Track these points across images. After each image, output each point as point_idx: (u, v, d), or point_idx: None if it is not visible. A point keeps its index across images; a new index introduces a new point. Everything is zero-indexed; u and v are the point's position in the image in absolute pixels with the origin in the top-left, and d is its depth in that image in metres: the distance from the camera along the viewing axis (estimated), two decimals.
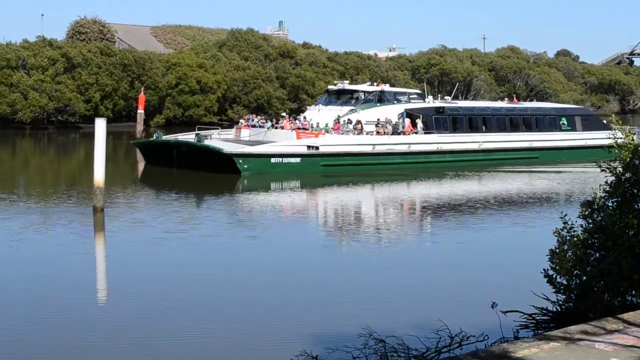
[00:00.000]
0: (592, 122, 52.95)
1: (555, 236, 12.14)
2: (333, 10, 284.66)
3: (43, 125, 69.99)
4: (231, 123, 54.97)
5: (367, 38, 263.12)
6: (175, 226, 24.60)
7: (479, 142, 46.06)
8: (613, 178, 12.05)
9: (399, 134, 43.25)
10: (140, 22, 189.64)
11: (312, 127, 42.72)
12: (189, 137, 41.66)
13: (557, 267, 11.87)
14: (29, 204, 29.27)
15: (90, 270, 19.44)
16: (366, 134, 42.41)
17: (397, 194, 36.15)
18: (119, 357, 12.98)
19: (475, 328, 11.68)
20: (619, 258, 11.45)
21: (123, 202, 30.06)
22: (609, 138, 12.80)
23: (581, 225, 12.11)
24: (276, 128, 43.61)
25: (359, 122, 42.59)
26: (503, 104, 54.07)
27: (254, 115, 51.41)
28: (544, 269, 12.04)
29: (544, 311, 12.29)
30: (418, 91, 51.32)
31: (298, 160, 39.50)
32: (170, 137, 43.67)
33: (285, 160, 39.19)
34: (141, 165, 42.33)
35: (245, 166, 38.00)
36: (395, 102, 45.43)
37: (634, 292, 11.75)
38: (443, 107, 46.27)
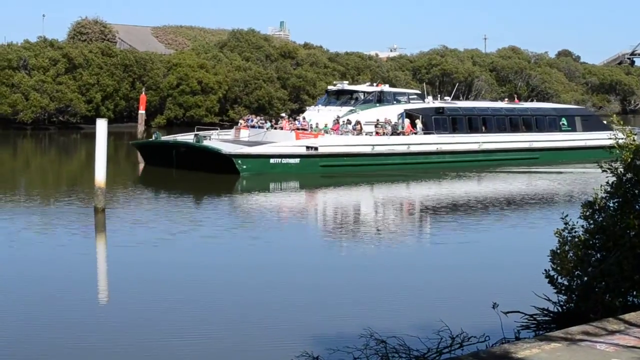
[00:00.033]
0: (592, 123, 52.91)
1: (557, 237, 12.13)
2: (334, 10, 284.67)
3: (44, 126, 69.99)
4: (232, 123, 55.08)
5: (368, 38, 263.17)
6: (176, 227, 24.60)
7: (479, 142, 46.01)
8: (614, 179, 12.05)
9: (398, 134, 43.20)
10: (141, 22, 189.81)
11: (311, 127, 42.69)
12: (188, 137, 41.63)
13: (558, 268, 11.86)
14: (30, 204, 29.28)
15: (91, 271, 19.44)
16: (365, 134, 42.38)
17: (397, 194, 36.12)
18: (119, 358, 12.97)
19: (476, 329, 11.68)
20: (620, 259, 11.44)
21: (124, 203, 30.07)
22: (610, 138, 12.79)
23: (582, 226, 12.11)
24: (275, 129, 43.59)
25: (358, 122, 42.56)
26: (503, 104, 54.04)
27: (253, 116, 51.40)
28: (545, 270, 12.04)
29: (545, 312, 12.28)
30: (418, 92, 51.25)
31: (297, 160, 39.48)
32: (169, 137, 43.67)
33: (284, 160, 39.15)
34: (142, 166, 42.34)
35: (244, 167, 37.99)
36: (395, 102, 45.37)
37: (635, 293, 11.74)
38: (442, 108, 46.23)
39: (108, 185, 27.38)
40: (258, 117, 48.65)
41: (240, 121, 47.13)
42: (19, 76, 69.68)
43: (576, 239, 11.95)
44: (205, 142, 39.89)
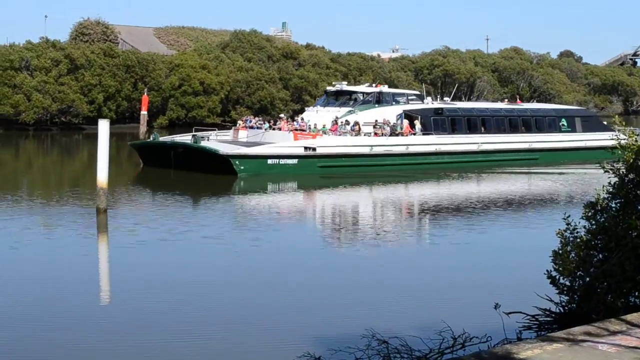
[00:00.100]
0: (592, 123, 52.85)
1: (558, 237, 12.14)
2: (336, 11, 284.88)
3: (46, 127, 70.06)
4: (234, 124, 55.10)
5: (370, 39, 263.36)
6: (176, 228, 24.59)
7: (478, 143, 45.93)
8: (616, 179, 12.04)
9: (397, 135, 43.16)
10: (143, 23, 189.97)
11: (309, 128, 42.65)
12: (186, 138, 41.62)
13: (560, 268, 11.87)
14: (32, 205, 29.29)
15: (92, 272, 19.45)
16: (364, 135, 42.34)
17: (396, 195, 36.06)
18: (120, 359, 12.98)
19: (478, 329, 11.68)
20: (622, 259, 11.44)
21: (126, 203, 30.08)
22: (612, 139, 12.79)
23: (584, 227, 12.11)
24: (274, 129, 43.56)
25: (356, 123, 42.50)
26: (502, 105, 54.00)
27: (251, 117, 51.42)
28: (547, 270, 12.04)
29: (547, 312, 12.29)
30: (417, 92, 51.21)
31: (295, 161, 39.43)
32: (167, 138, 43.67)
33: (282, 161, 39.09)
34: (140, 167, 42.30)
35: (242, 167, 37.96)
36: (394, 103, 45.31)
37: (637, 294, 11.74)
38: (441, 109, 46.18)
39: (110, 186, 27.38)
40: (256, 118, 48.63)
41: (239, 122, 47.10)
42: (21, 77, 69.76)
43: (578, 240, 11.96)
44: (203, 143, 39.88)
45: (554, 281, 11.98)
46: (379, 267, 19.90)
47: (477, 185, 39.53)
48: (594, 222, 12.03)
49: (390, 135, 42.79)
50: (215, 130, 46.60)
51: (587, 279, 11.68)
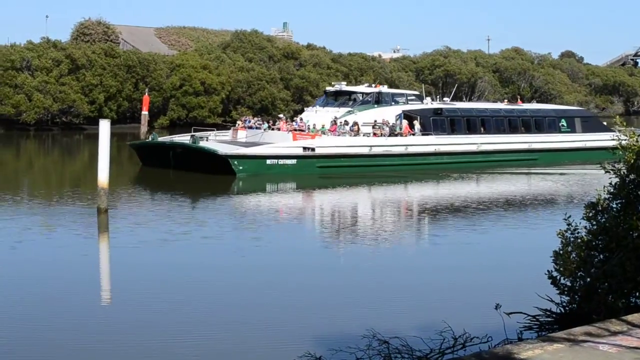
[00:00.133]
0: (591, 124, 52.80)
1: (559, 238, 12.14)
2: (337, 11, 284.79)
3: (47, 127, 70.08)
4: (235, 124, 55.07)
5: (371, 39, 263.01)
6: (177, 228, 24.60)
7: (477, 143, 45.88)
8: (617, 180, 12.05)
9: (396, 135, 43.12)
10: (144, 23, 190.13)
11: (308, 128, 42.62)
12: (185, 138, 41.60)
13: (561, 269, 11.87)
14: (33, 205, 29.30)
15: (93, 272, 19.45)
16: (363, 135, 42.31)
17: (395, 195, 36.02)
18: (121, 359, 12.98)
19: (478, 329, 11.68)
20: (623, 260, 11.44)
21: (127, 204, 30.08)
22: (613, 140, 12.79)
23: (585, 227, 12.11)
24: (273, 129, 43.53)
25: (355, 123, 42.45)
26: (502, 105, 53.96)
27: (250, 117, 51.38)
28: (548, 271, 12.04)
29: (547, 313, 12.29)
30: (416, 92, 51.18)
31: (294, 161, 39.39)
32: (166, 138, 43.68)
33: (281, 161, 39.05)
34: (139, 167, 42.31)
35: (241, 167, 37.93)
36: (393, 103, 45.27)
37: (638, 294, 11.75)
38: (441, 109, 46.13)
39: (111, 186, 27.38)
40: (255, 118, 48.60)
41: (238, 122, 47.08)
42: (22, 77, 69.79)
43: (579, 240, 11.96)
44: (202, 143, 39.87)
45: (554, 281, 11.98)
46: (379, 267, 19.89)
47: (477, 185, 39.51)
48: (594, 223, 12.03)
49: (390, 135, 42.73)
50: (214, 130, 46.55)
51: (588, 279, 11.68)
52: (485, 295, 16.04)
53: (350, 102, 44.99)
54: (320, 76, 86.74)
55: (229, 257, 20.84)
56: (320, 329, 14.19)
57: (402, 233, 25.62)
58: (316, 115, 44.36)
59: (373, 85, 49.81)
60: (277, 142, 40.39)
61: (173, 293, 16.82)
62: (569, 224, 12.16)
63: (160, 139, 42.88)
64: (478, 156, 45.70)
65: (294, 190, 36.39)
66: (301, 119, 44.50)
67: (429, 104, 47.09)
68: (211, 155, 38.17)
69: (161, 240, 22.56)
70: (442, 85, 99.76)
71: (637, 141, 12.02)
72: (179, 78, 77.44)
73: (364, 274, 18.90)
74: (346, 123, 42.52)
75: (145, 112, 70.72)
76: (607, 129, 50.57)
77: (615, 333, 9.78)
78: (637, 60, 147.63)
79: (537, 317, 12.35)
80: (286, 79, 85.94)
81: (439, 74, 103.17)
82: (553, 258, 12.02)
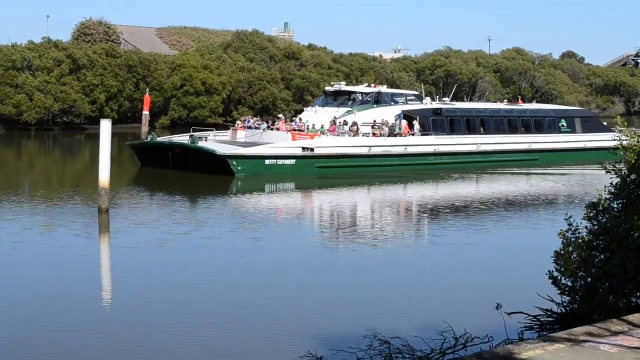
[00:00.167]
0: (591, 124, 52.73)
1: (560, 238, 12.14)
2: (338, 11, 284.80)
3: (48, 127, 70.12)
4: (235, 124, 55.08)
5: (372, 39, 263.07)
6: (175, 228, 24.59)
7: (477, 143, 45.82)
8: (618, 180, 12.05)
9: (395, 135, 43.07)
10: (145, 23, 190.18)
11: (307, 128, 42.57)
12: (183, 138, 41.57)
13: (562, 269, 11.87)
14: (33, 204, 29.31)
15: (94, 272, 19.44)
16: (362, 135, 42.27)
17: (394, 196, 35.94)
18: (121, 359, 12.97)
19: (479, 329, 11.68)
20: (624, 260, 11.44)
21: (128, 203, 30.09)
22: (614, 140, 12.79)
23: (586, 227, 12.11)
24: (272, 129, 43.48)
25: (354, 123, 42.39)
26: (502, 105, 53.89)
27: (249, 117, 51.36)
28: (549, 271, 12.04)
29: (548, 312, 12.29)
30: (415, 92, 51.13)
31: (293, 161, 39.33)
32: (165, 138, 43.67)
33: (280, 161, 39.00)
34: (138, 167, 42.30)
35: (239, 168, 37.89)
36: (393, 103, 45.22)
37: (638, 294, 11.74)
38: (440, 109, 46.07)
39: (111, 186, 27.39)
40: (255, 118, 48.58)
41: (237, 122, 47.05)
42: (23, 77, 69.82)
43: (580, 240, 11.96)
44: (201, 143, 39.84)
45: (555, 281, 11.98)
46: (379, 267, 19.88)
47: (477, 185, 39.47)
48: (595, 223, 12.03)
49: (389, 135, 42.67)
50: (213, 130, 46.50)
51: (589, 279, 11.68)
52: (486, 295, 16.03)
53: (350, 102, 44.93)
54: (321, 76, 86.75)
55: (228, 257, 20.83)
56: (321, 329, 14.18)
57: (402, 233, 25.59)
58: (315, 115, 44.31)
59: (372, 85, 49.76)
60: (276, 142, 40.34)
61: (173, 293, 16.82)
62: (569, 224, 12.16)
63: (159, 139, 42.86)
64: (477, 156, 45.64)
65: (293, 191, 36.35)
66: (300, 119, 44.47)
67: (428, 104, 47.04)
68: (210, 155, 38.14)
69: (161, 240, 22.56)
70: (443, 86, 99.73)
71: (638, 141, 12.02)
72: (180, 78, 77.47)
73: (364, 274, 18.89)
74: (345, 123, 42.46)
75: (146, 112, 70.72)
76: (607, 129, 50.54)
77: (616, 333, 9.78)
78: (638, 60, 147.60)
79: (538, 317, 12.35)
80: (287, 79, 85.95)
81: (439, 74, 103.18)
82: (554, 258, 12.02)
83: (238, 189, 36.05)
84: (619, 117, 13.76)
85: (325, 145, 40.40)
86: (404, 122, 44.04)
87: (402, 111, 44.63)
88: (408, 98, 46.73)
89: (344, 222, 28.25)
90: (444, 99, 53.81)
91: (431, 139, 44.16)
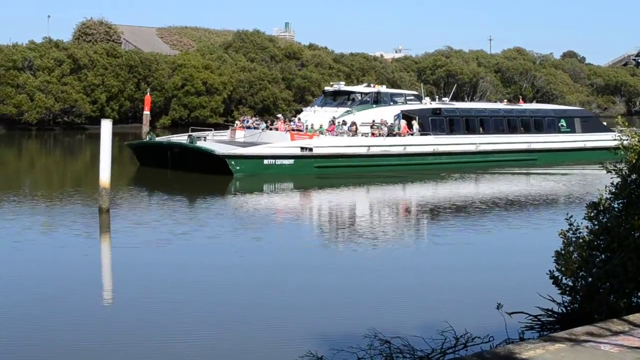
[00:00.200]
0: (591, 124, 52.64)
1: (561, 237, 12.13)
2: (339, 11, 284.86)
3: (49, 127, 70.15)
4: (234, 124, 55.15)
5: (373, 39, 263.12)
6: (176, 228, 24.57)
7: (476, 143, 45.75)
8: (619, 180, 12.04)
9: (394, 135, 43.02)
10: (146, 23, 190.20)
11: (306, 128, 42.53)
12: (182, 138, 41.55)
13: (563, 269, 11.86)
14: (34, 204, 29.31)
15: (95, 272, 19.43)
16: (361, 135, 42.23)
17: (393, 196, 35.86)
18: (122, 359, 12.97)
19: (480, 329, 11.67)
20: (625, 260, 11.44)
21: (128, 203, 30.09)
22: (615, 140, 12.79)
23: (587, 227, 12.10)
24: (271, 129, 43.44)
25: (353, 123, 42.32)
26: (501, 105, 53.82)
27: (248, 117, 51.37)
28: (550, 270, 12.03)
29: (549, 312, 12.29)
30: (415, 92, 51.07)
31: (291, 161, 39.26)
32: (163, 138, 43.65)
33: (279, 161, 38.93)
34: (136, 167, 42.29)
35: (238, 167, 37.84)
36: (392, 103, 45.14)
37: (639, 294, 11.73)
38: (439, 109, 46.00)
39: (112, 186, 27.38)
40: (254, 118, 48.56)
41: (236, 122, 47.03)
42: (24, 77, 69.85)
43: (580, 240, 11.95)
44: (199, 143, 39.81)
45: (556, 281, 11.98)
46: (380, 267, 19.87)
47: (477, 186, 39.43)
48: (596, 223, 12.03)
49: (388, 135, 42.60)
50: (211, 130, 46.45)
51: (590, 279, 11.67)
52: (486, 295, 16.02)
53: (349, 102, 44.87)
54: (322, 76, 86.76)
55: (228, 257, 20.81)
56: (321, 329, 14.17)
57: (402, 233, 25.58)
58: (314, 115, 44.25)
59: (371, 85, 49.72)
60: (275, 142, 40.30)
61: (173, 293, 16.82)
62: (570, 224, 12.15)
63: (158, 138, 42.84)
64: (477, 156, 45.57)
65: (292, 191, 36.29)
66: (299, 119, 44.44)
67: (427, 104, 46.98)
68: (208, 155, 38.11)
69: (162, 240, 22.55)
70: (444, 86, 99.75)
71: (639, 141, 12.01)
72: (181, 78, 77.48)
73: (364, 274, 18.88)
74: (344, 123, 42.40)
75: (147, 112, 70.78)
76: (606, 129, 50.49)
77: (616, 333, 9.78)
78: (639, 60, 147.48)
79: (539, 317, 12.34)
80: (288, 79, 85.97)
81: (440, 74, 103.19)
82: (555, 258, 12.01)
83: (237, 189, 36.01)
84: (619, 117, 13.76)
85: (324, 145, 40.34)
86: (403, 122, 43.99)
87: (401, 111, 44.58)
88: (407, 98, 46.68)
89: (344, 222, 28.23)
90: (443, 99, 53.71)
91: (430, 139, 44.10)
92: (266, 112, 75.50)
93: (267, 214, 29.49)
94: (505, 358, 8.77)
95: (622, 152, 12.13)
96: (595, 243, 11.91)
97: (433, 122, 44.87)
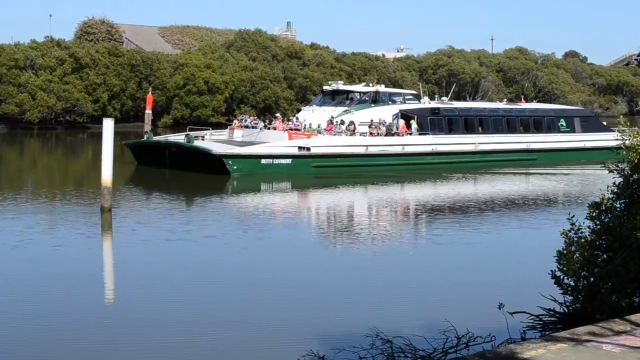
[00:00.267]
0: (591, 124, 52.51)
1: (563, 237, 12.11)
2: (341, 11, 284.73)
3: (51, 126, 70.20)
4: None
5: (375, 39, 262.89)
6: (177, 227, 24.58)
7: (475, 143, 45.62)
8: (621, 179, 12.03)
9: (392, 135, 42.94)
10: (148, 22, 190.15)
11: (304, 127, 42.47)
12: (179, 137, 41.51)
13: (565, 269, 11.85)
14: (36, 203, 29.32)
15: (96, 271, 19.42)
16: (359, 134, 42.16)
17: (392, 195, 35.77)
18: (123, 358, 12.97)
19: (482, 329, 11.66)
20: (627, 259, 11.42)
21: (130, 202, 30.10)
22: (617, 139, 12.77)
23: (588, 227, 12.09)
24: (269, 129, 43.38)
25: (352, 122, 42.23)
26: (501, 105, 53.70)
27: (247, 116, 51.35)
28: (551, 270, 12.02)
29: (551, 312, 12.27)
30: (414, 92, 50.94)
31: (289, 161, 39.19)
32: (161, 137, 43.63)
33: (276, 161, 38.85)
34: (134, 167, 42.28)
35: (235, 167, 37.78)
36: (390, 102, 45.02)
37: None
38: (438, 108, 45.85)
39: (114, 185, 27.39)
40: (252, 117, 48.53)
41: (235, 121, 46.98)
42: (26, 76, 69.89)
43: (582, 240, 11.93)
44: (197, 143, 39.76)
45: (558, 281, 11.96)
46: (380, 267, 19.85)
47: (476, 185, 39.35)
48: (598, 223, 12.01)
49: (386, 135, 42.52)
50: (209, 129, 46.38)
51: (592, 279, 11.66)
52: (488, 294, 16.00)
53: (347, 102, 44.75)
54: (323, 76, 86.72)
55: (229, 257, 20.82)
56: (323, 329, 14.17)
57: (402, 233, 25.55)
58: (313, 115, 44.13)
59: (370, 84, 49.62)
60: (273, 142, 40.23)
61: (174, 292, 16.82)
62: (572, 224, 12.13)
63: (155, 138, 42.81)
64: (476, 156, 45.44)
65: (289, 190, 36.25)
66: (297, 118, 44.35)
67: (426, 103, 46.87)
68: (205, 154, 38.06)
69: (163, 239, 22.57)
70: (446, 85, 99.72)
71: None
72: (183, 77, 77.51)
73: (364, 274, 18.87)
74: (342, 122, 42.29)
75: (148, 111, 70.63)
76: (606, 129, 50.37)
77: (618, 333, 9.77)
78: None
79: (541, 316, 12.33)
80: (290, 78, 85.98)
81: (442, 74, 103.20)
82: (556, 258, 12.00)
83: (234, 189, 35.99)
84: (621, 116, 13.73)
85: (322, 144, 40.24)
86: (402, 122, 43.91)
87: (400, 110, 44.49)
88: (406, 97, 46.56)
89: (342, 222, 28.18)
90: (442, 98, 53.57)
91: (429, 138, 43.98)
92: (268, 112, 75.44)
93: (266, 214, 29.46)
94: (507, 358, 8.76)
95: (624, 152, 12.12)
96: (597, 243, 11.90)
97: (432, 122, 44.77)
